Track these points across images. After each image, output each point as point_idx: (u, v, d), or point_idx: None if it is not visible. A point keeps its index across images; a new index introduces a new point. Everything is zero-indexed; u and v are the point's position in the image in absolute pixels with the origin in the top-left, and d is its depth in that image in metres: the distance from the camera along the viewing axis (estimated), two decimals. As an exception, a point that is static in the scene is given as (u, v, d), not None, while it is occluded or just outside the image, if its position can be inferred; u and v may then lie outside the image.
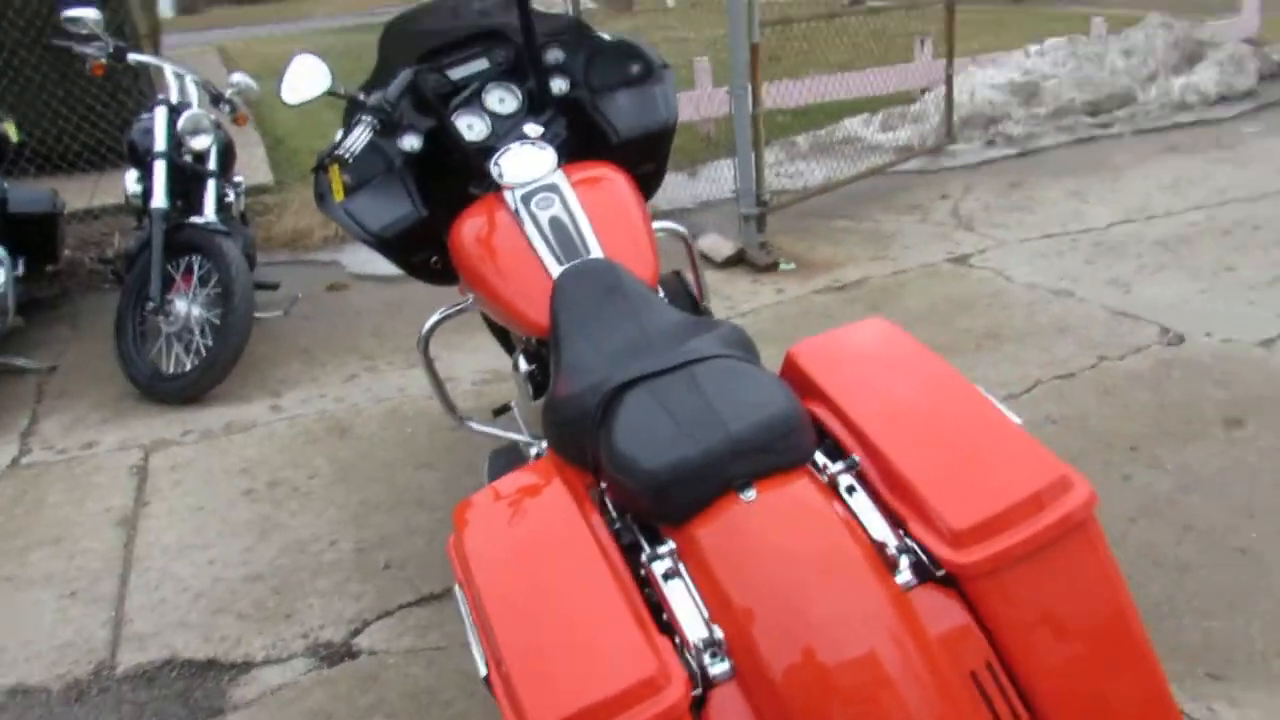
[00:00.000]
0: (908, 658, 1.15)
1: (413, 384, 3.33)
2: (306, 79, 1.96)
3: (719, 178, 5.15)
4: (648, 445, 1.33)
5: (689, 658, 1.18)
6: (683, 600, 1.24)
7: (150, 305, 3.41)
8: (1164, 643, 1.83)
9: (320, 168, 2.08)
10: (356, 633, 2.21)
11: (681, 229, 2.39)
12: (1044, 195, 4.76)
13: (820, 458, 1.37)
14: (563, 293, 1.78)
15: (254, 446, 3.07)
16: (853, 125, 6.18)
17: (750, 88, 4.20)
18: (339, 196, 2.10)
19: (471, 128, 2.15)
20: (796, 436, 1.32)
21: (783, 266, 4.18)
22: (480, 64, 2.25)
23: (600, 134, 2.23)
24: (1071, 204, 4.59)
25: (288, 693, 2.05)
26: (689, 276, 2.39)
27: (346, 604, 2.30)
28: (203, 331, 3.45)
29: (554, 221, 1.93)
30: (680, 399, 1.38)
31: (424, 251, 2.19)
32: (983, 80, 6.31)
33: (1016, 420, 1.36)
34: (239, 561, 2.50)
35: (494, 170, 2.02)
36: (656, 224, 2.41)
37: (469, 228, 2.01)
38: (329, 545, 2.52)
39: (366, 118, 2.01)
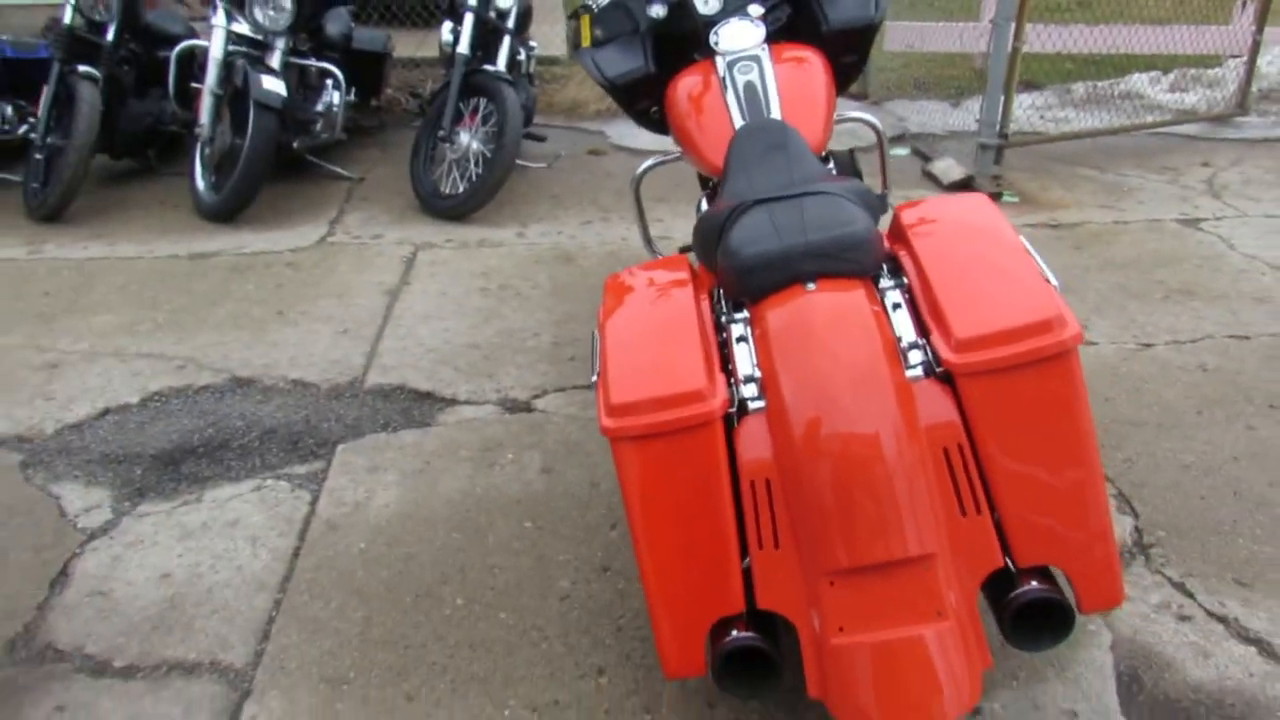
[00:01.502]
0: (894, 422, 1.50)
1: (635, 235, 3.84)
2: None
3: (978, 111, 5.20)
4: (747, 242, 1.73)
5: (735, 390, 1.59)
6: (743, 353, 1.65)
7: (440, 134, 4.12)
8: (1209, 552, 2.05)
9: (574, 16, 2.57)
10: (536, 397, 2.78)
11: (874, 120, 2.71)
12: (1320, 178, 4.49)
13: (883, 279, 1.71)
14: (738, 142, 2.17)
15: (495, 258, 3.72)
16: (1139, 81, 5.94)
17: (1014, 24, 4.26)
18: (586, 43, 2.58)
19: (707, 3, 2.54)
20: (860, 253, 1.67)
21: (1005, 198, 4.29)
22: None
23: (815, 21, 2.56)
24: (1346, 191, 4.32)
25: (476, 423, 2.66)
26: (875, 159, 2.72)
27: (534, 376, 2.87)
28: (476, 162, 4.13)
29: (748, 85, 2.31)
30: (785, 216, 1.76)
31: (646, 101, 2.64)
32: (1299, 54, 5.83)
33: (1054, 281, 1.63)
34: (464, 333, 3.14)
35: (712, 39, 2.42)
36: (854, 113, 2.75)
37: (683, 84, 2.43)
38: (532, 335, 3.11)
39: None
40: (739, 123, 2.24)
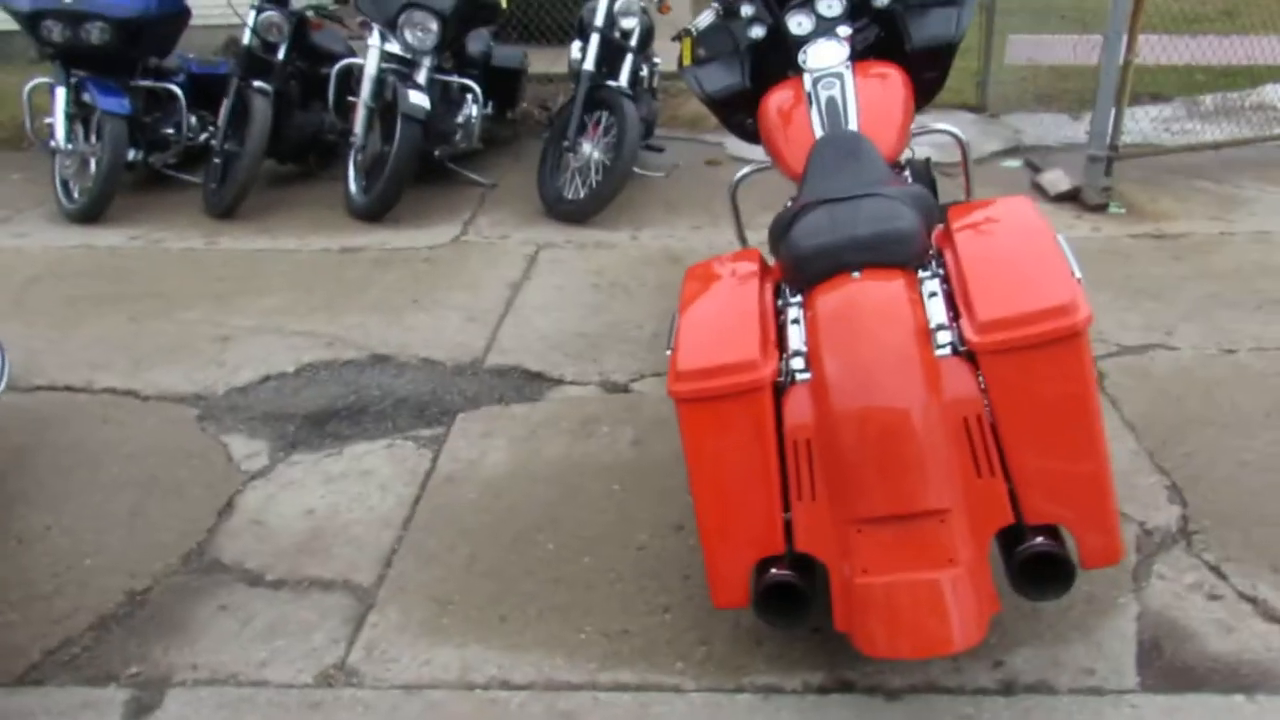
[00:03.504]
0: (918, 393, 1.72)
1: (738, 239, 4.10)
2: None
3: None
4: (805, 235, 1.98)
5: (786, 363, 1.84)
6: (796, 332, 1.90)
7: (565, 144, 4.48)
8: (1251, 542, 2.19)
9: (678, 38, 2.87)
10: (633, 380, 3.08)
11: (956, 131, 2.89)
12: None
13: (924, 270, 1.93)
14: (816, 150, 2.41)
15: (609, 258, 4.04)
16: (1271, 92, 5.80)
17: (1126, 36, 4.31)
18: (687, 61, 2.87)
19: (800, 25, 2.78)
20: (902, 246, 1.90)
21: (1112, 209, 4.33)
22: None
23: (900, 40, 2.77)
24: None
25: (578, 400, 2.98)
26: (958, 172, 2.90)
27: (634, 363, 3.18)
28: (597, 170, 4.47)
29: (830, 100, 2.55)
30: (842, 214, 2.01)
31: (742, 114, 2.91)
32: None
33: (1078, 274, 1.82)
34: (574, 323, 3.47)
35: (800, 57, 2.67)
36: (939, 125, 2.94)
37: (773, 99, 2.69)
38: (635, 327, 3.42)
39: (715, 5, 2.76)
40: (819, 133, 2.48)
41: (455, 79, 4.84)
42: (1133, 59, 4.39)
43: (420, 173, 4.83)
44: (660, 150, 5.00)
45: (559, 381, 3.11)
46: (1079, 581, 2.01)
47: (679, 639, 2.04)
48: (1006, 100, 6.07)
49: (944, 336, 1.78)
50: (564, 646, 2.04)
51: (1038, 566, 1.70)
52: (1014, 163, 5.13)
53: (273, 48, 4.74)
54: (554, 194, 4.54)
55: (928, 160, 2.79)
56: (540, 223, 4.48)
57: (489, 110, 5.14)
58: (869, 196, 2.02)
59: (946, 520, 1.70)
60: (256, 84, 4.64)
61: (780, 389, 1.83)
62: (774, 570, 1.78)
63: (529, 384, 3.11)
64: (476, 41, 5.12)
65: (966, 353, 1.75)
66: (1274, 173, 4.72)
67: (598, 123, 4.53)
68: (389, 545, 2.37)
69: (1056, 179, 4.65)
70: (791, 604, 1.79)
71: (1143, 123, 5.46)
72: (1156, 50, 5.58)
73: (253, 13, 4.70)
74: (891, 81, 2.61)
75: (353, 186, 4.64)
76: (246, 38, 4.72)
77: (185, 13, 4.83)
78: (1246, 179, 4.66)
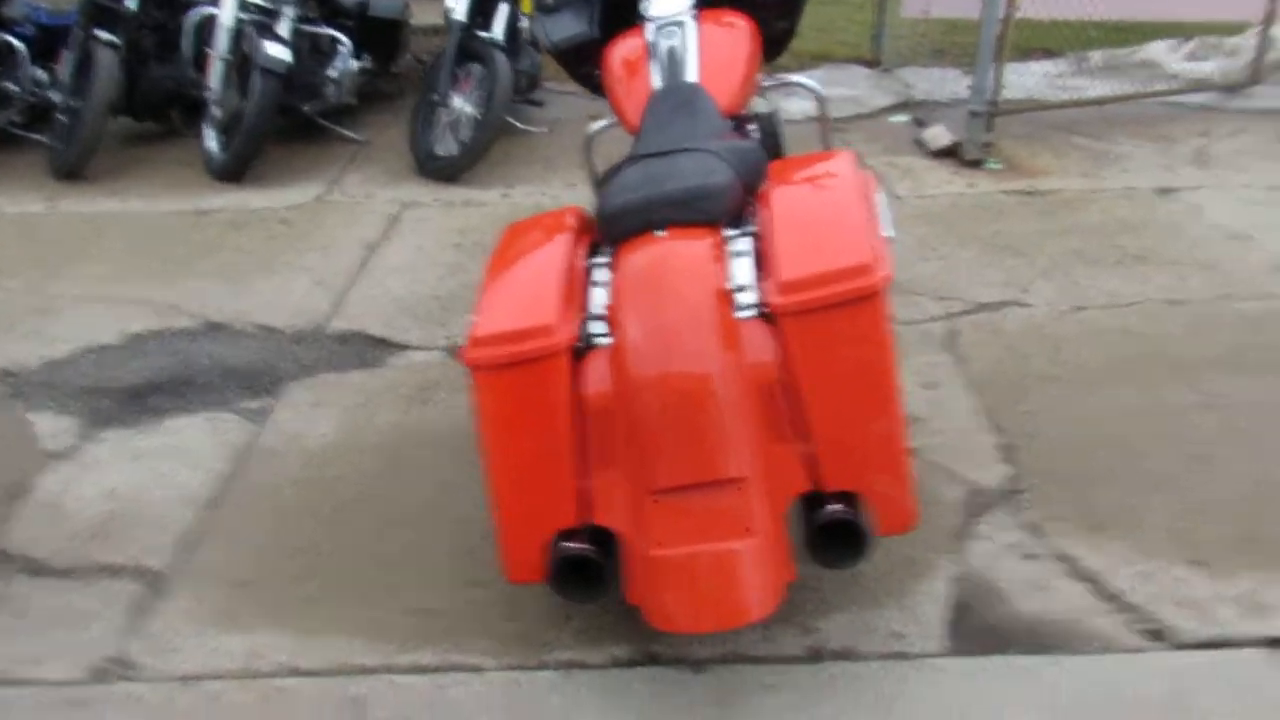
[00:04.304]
0: (715, 358, 1.63)
1: (610, 198, 3.98)
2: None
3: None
4: (615, 192, 1.88)
5: (585, 327, 1.74)
6: (600, 292, 1.80)
7: (434, 97, 4.29)
8: (1075, 500, 2.15)
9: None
10: (479, 344, 2.95)
11: (814, 86, 2.79)
12: (1319, 149, 4.40)
13: (732, 228, 1.83)
14: (651, 103, 2.30)
15: (476, 217, 3.90)
16: (1157, 49, 5.84)
17: (1003, -12, 4.26)
18: (526, 9, 2.73)
19: None
20: (709, 203, 1.80)
21: (989, 165, 4.31)
22: None
23: None
24: (1344, 162, 4.23)
25: (420, 366, 2.86)
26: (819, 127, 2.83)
27: (482, 326, 3.05)
28: (469, 126, 4.30)
29: (671, 50, 2.43)
30: (656, 170, 1.90)
31: (588, 66, 2.77)
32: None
33: (890, 233, 1.74)
34: (430, 285, 3.33)
35: (643, 4, 2.53)
36: (793, 78, 2.84)
37: (616, 48, 2.56)
38: (490, 289, 3.28)
39: None
40: (657, 85, 2.36)
41: (324, 30, 4.60)
42: (1013, 13, 4.35)
43: (287, 129, 4.61)
44: (539, 105, 4.84)
45: (403, 347, 2.97)
46: (899, 544, 2.01)
47: (486, 616, 1.95)
48: (900, 54, 6.01)
49: (746, 298, 1.70)
50: (365, 628, 1.93)
51: (834, 534, 1.63)
52: (902, 118, 5.08)
53: (121, -5, 4.45)
54: (425, 150, 4.36)
55: (773, 114, 2.69)
56: (410, 181, 4.30)
57: (366, 64, 4.91)
58: (685, 152, 1.92)
59: (744, 489, 1.63)
60: (102, 35, 4.34)
61: (580, 354, 1.72)
62: (568, 544, 1.69)
63: (371, 350, 2.97)
64: (346, -12, 4.86)
65: (769, 315, 1.67)
66: (1151, 129, 4.75)
67: (470, 75, 4.35)
68: (191, 526, 2.23)
69: (938, 134, 4.60)
70: (588, 579, 1.70)
71: (1032, 78, 5.48)
72: (1050, 6, 5.60)
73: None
74: (737, 31, 2.50)
75: (211, 144, 4.40)
76: (93, -14, 4.42)
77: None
78: (1124, 135, 4.68)
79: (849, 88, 5.52)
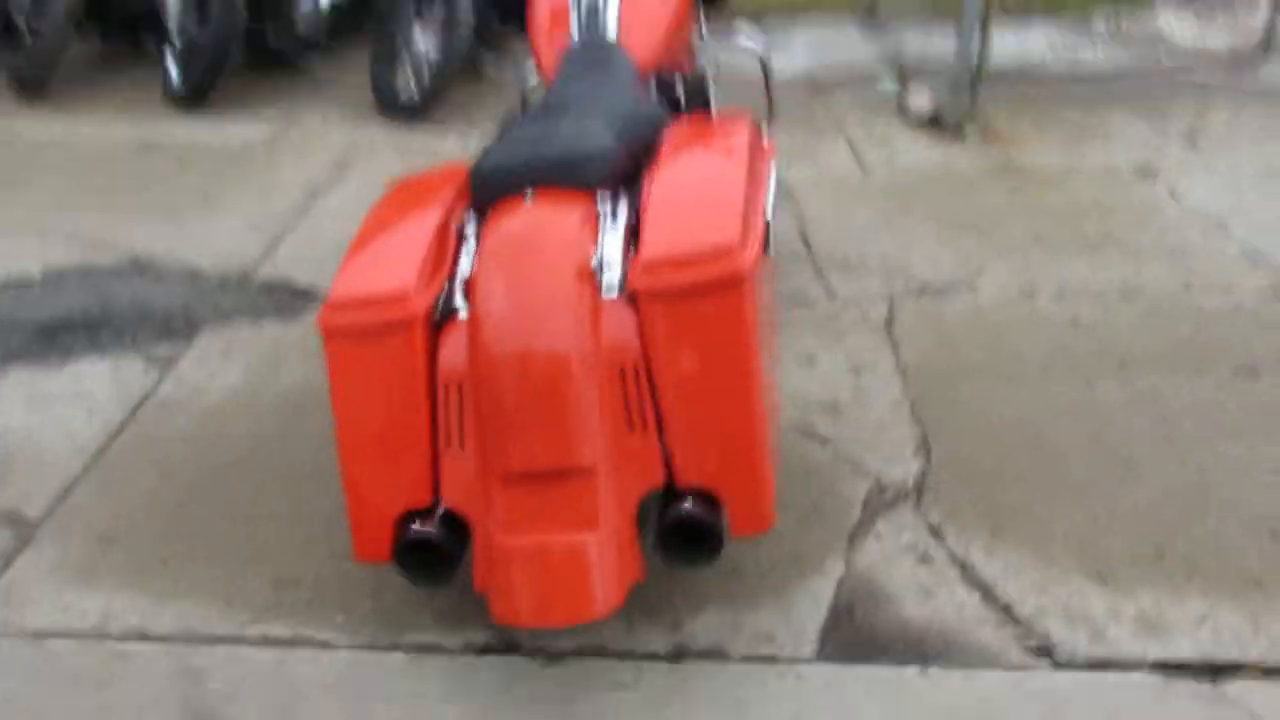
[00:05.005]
0: (569, 338, 1.53)
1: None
2: None
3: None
4: (489, 153, 1.77)
5: (445, 295, 1.64)
6: (466, 258, 1.70)
7: (397, 37, 4.15)
8: (982, 500, 2.07)
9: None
10: (403, 299, 2.86)
11: (754, 46, 2.65)
12: (1318, 135, 4.21)
13: (607, 197, 1.72)
14: (564, 60, 2.18)
15: (430, 160, 3.76)
16: (1165, 20, 5.60)
17: (994, -54, 4.06)
18: None
19: None
20: (581, 169, 1.69)
21: (968, 136, 4.14)
22: None
23: None
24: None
25: (336, 320, 2.76)
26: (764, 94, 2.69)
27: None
28: (431, 68, 4.15)
29: (592, 4, 2.30)
30: (533, 131, 1.79)
31: (520, 11, 2.64)
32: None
33: (768, 215, 1.63)
34: (364, 234, 3.22)
35: None
36: (742, 40, 2.70)
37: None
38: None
39: None
40: (575, 39, 2.24)
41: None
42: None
43: (253, 61, 4.48)
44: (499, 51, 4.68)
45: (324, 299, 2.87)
46: (788, 539, 1.93)
47: (350, 590, 1.89)
48: (900, 12, 5.79)
49: (610, 276, 1.59)
50: (222, 595, 1.87)
51: (683, 533, 1.55)
52: (889, 83, 4.89)
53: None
54: (386, 91, 4.23)
55: (703, 76, 2.55)
56: (370, 121, 4.19)
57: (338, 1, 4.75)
58: (569, 113, 1.81)
59: (594, 478, 1.54)
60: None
61: (440, 324, 1.63)
62: (415, 525, 1.62)
63: (295, 300, 2.88)
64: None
65: (632, 295, 1.57)
66: (1145, 105, 4.53)
67: (434, 15, 4.19)
68: (74, 475, 2.17)
69: (920, 101, 4.43)
70: (435, 562, 1.63)
71: (1031, 42, 5.29)
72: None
73: None
74: None
75: (171, 71, 4.28)
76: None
77: None
78: (1116, 109, 4.48)
79: (836, 44, 5.35)
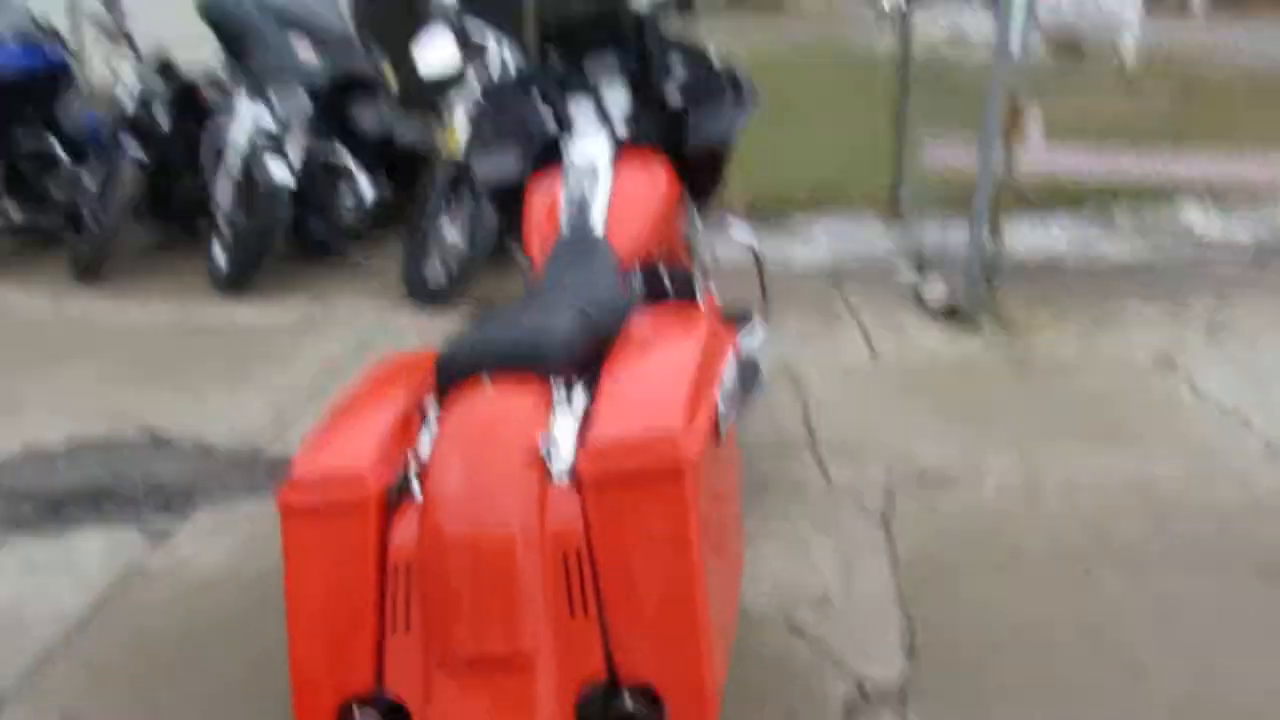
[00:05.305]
0: (512, 523, 1.53)
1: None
2: (438, 53, 2.63)
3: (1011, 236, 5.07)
4: (456, 340, 1.83)
5: (403, 476, 1.66)
6: (426, 441, 1.73)
7: (426, 226, 4.38)
8: (964, 705, 2.00)
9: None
10: (401, 478, 2.89)
11: (747, 239, 2.75)
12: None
13: (562, 383, 1.75)
14: (552, 253, 2.28)
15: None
16: (1189, 210, 5.69)
17: (999, 144, 4.22)
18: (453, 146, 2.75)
19: (579, 108, 2.63)
20: (539, 355, 1.73)
21: (984, 326, 4.16)
22: (610, 61, 2.72)
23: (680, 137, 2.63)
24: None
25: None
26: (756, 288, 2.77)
27: (410, 459, 3.00)
28: (458, 257, 4.35)
29: (581, 198, 2.42)
30: (501, 319, 1.86)
31: (519, 204, 2.76)
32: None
33: (721, 407, 1.65)
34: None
35: (564, 146, 2.54)
36: (736, 235, 2.81)
37: (534, 192, 2.55)
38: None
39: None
40: (565, 233, 2.35)
41: (335, 160, 4.75)
42: (1011, 171, 4.30)
43: (300, 248, 4.75)
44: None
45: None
46: None
47: (300, 782, 1.82)
48: (920, 202, 5.97)
49: (560, 461, 1.61)
50: (170, 782, 1.83)
51: (621, 733, 1.49)
52: (909, 275, 4.99)
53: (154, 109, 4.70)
54: (416, 278, 4.42)
55: (690, 273, 2.61)
56: (399, 307, 4.36)
57: (385, 192, 5.01)
58: (538, 304, 1.88)
59: (531, 671, 1.50)
60: (131, 150, 4.58)
61: (395, 505, 1.64)
62: (357, 712, 1.58)
63: (298, 476, 2.92)
64: (368, 118, 5.04)
65: (577, 479, 1.58)
66: (1166, 296, 4.51)
67: (462, 206, 4.43)
68: (47, 647, 2.17)
69: (936, 291, 4.50)
70: (379, 753, 1.58)
71: (1049, 236, 5.40)
72: (1057, 163, 5.54)
73: (135, 80, 4.69)
74: (647, 179, 2.48)
75: (218, 258, 4.55)
76: (129, 105, 4.69)
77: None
78: (1136, 300, 4.48)
79: (858, 237, 5.51)
